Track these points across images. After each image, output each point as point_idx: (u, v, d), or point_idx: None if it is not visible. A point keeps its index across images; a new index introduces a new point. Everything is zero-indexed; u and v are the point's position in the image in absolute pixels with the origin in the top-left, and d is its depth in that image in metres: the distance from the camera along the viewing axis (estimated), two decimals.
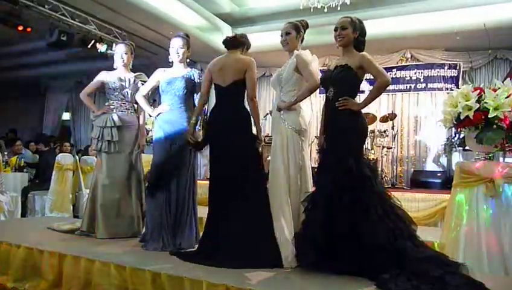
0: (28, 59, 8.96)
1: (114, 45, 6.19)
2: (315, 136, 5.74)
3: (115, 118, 3.52)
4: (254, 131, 2.98)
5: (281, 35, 2.99)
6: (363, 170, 2.51)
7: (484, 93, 2.78)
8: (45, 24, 6.05)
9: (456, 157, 6.32)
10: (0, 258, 3.08)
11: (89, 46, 6.61)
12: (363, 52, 2.65)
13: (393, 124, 6.75)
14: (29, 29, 5.96)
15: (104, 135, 3.49)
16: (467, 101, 2.77)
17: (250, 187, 2.83)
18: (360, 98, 2.87)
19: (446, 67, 7.15)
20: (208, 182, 3.04)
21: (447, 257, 2.40)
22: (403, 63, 7.56)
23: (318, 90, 3.05)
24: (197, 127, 3.16)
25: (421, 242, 2.48)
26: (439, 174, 6.83)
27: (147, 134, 4.66)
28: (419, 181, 6.78)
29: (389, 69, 7.15)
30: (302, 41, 3.01)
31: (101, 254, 2.81)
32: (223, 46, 3.09)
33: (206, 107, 3.45)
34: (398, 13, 6.16)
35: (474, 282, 2.13)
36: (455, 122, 2.91)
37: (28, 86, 10.85)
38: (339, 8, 5.31)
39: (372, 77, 2.81)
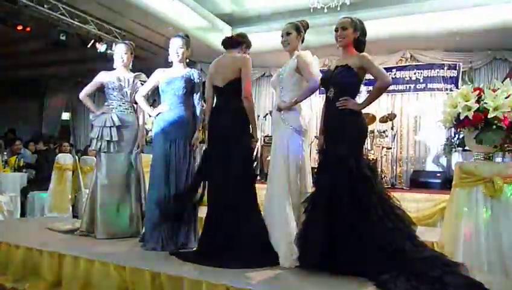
0: (27, 59, 8.94)
1: (114, 44, 6.19)
2: (315, 136, 5.73)
3: (114, 118, 3.52)
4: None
5: (282, 36, 2.99)
6: (363, 170, 2.51)
7: (484, 93, 2.77)
8: (45, 24, 6.05)
9: (456, 157, 6.32)
10: (0, 258, 3.08)
11: (88, 46, 6.61)
12: (364, 53, 2.65)
13: (392, 124, 6.75)
14: (28, 29, 5.96)
15: (104, 134, 3.50)
16: (466, 101, 2.77)
17: (242, 187, 2.84)
18: (359, 99, 2.87)
19: (446, 68, 7.16)
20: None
21: (446, 257, 2.40)
22: (403, 64, 7.57)
23: (318, 90, 3.06)
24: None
25: (421, 242, 2.48)
26: (438, 175, 6.84)
27: (147, 134, 4.65)
28: (418, 181, 6.79)
29: (388, 70, 7.16)
30: (302, 41, 3.02)
31: (100, 254, 2.81)
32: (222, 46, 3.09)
33: None
34: (398, 14, 6.15)
35: (473, 282, 2.12)
36: (455, 123, 2.90)
37: (27, 86, 10.84)
38: (338, 9, 5.32)
39: (369, 78, 2.81)
